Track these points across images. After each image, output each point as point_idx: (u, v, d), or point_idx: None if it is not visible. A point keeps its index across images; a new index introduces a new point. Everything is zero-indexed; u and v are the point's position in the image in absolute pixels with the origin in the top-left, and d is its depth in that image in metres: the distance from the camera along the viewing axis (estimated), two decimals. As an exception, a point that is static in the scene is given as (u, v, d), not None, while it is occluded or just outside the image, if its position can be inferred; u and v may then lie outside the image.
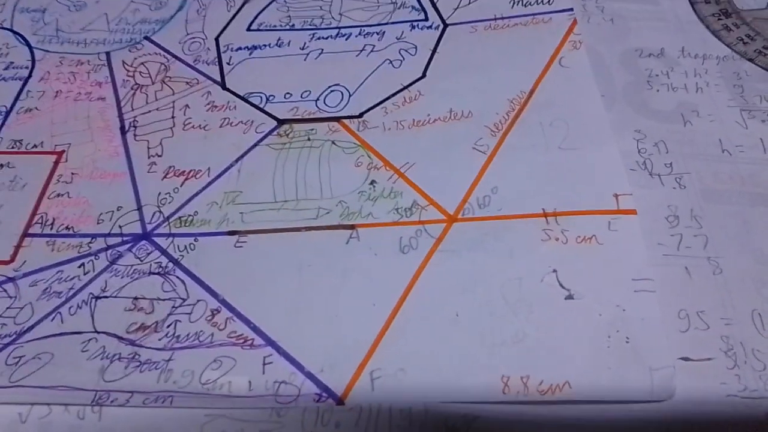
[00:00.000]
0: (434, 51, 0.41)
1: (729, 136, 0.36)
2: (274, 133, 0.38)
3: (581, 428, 0.28)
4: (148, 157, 0.38)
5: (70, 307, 0.32)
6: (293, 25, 0.45)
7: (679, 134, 0.36)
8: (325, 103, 0.40)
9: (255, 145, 0.38)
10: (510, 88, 0.38)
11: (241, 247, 0.34)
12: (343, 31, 0.44)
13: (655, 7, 0.43)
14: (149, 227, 0.35)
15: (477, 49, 0.41)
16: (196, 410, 0.29)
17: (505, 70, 0.39)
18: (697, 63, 0.40)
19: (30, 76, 0.43)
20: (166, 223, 0.35)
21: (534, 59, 0.39)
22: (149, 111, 0.40)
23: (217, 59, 0.43)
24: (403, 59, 0.41)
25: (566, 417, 0.28)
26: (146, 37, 0.45)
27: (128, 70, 0.43)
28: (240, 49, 0.43)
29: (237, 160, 0.37)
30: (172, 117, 0.40)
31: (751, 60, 0.40)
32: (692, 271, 0.31)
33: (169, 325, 0.31)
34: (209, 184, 0.36)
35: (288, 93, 0.40)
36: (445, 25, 0.43)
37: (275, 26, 0.45)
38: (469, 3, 0.44)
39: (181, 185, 0.37)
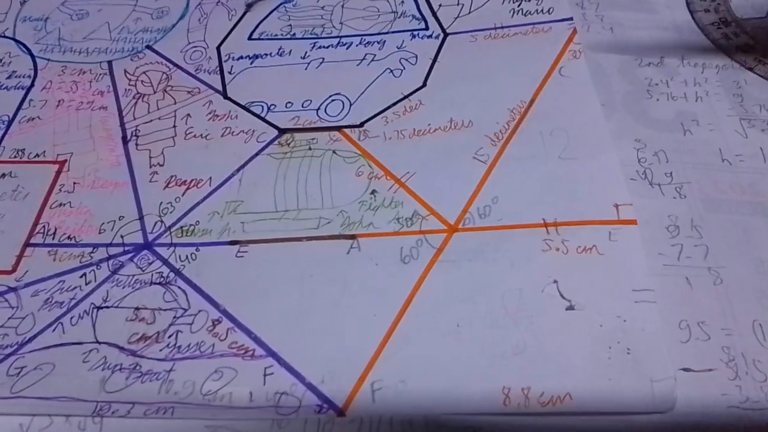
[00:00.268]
0: (435, 60, 0.41)
1: (729, 145, 0.36)
2: (276, 142, 0.38)
3: (582, 439, 0.28)
4: (150, 167, 0.38)
5: (71, 318, 0.32)
6: (294, 34, 0.45)
7: (679, 143, 0.36)
8: (326, 112, 0.40)
9: (256, 154, 0.38)
10: (510, 98, 0.38)
11: (242, 257, 0.34)
12: (344, 40, 0.44)
13: (655, 16, 0.43)
14: (151, 237, 0.35)
15: (477, 59, 0.41)
16: (197, 421, 0.29)
17: (505, 79, 0.39)
18: (697, 72, 0.40)
19: (32, 85, 0.44)
20: (168, 232, 0.35)
21: (534, 68, 0.39)
22: (151, 120, 0.41)
23: (218, 68, 0.43)
24: (404, 68, 0.41)
25: (567, 428, 0.28)
26: (148, 46, 0.45)
27: (130, 79, 0.43)
28: (241, 58, 0.44)
29: (238, 170, 0.37)
30: (174, 126, 0.40)
31: (750, 69, 0.40)
32: (693, 282, 0.31)
33: (170, 336, 0.31)
34: (211, 193, 0.37)
35: (289, 102, 0.40)
36: (446, 35, 0.43)
37: (276, 35, 0.45)
38: (470, 12, 0.44)
39: (183, 195, 0.37)
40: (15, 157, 0.40)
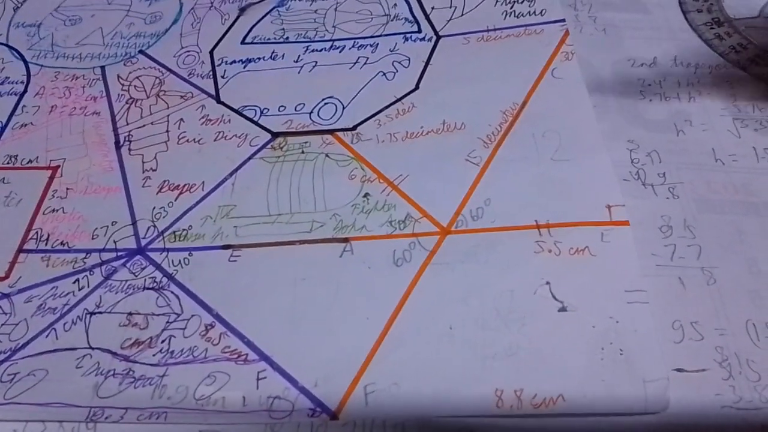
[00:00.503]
0: (427, 63, 0.41)
1: (722, 145, 0.36)
2: (269, 146, 0.38)
3: (575, 441, 0.28)
4: (143, 172, 0.38)
5: (64, 323, 0.32)
6: (287, 37, 0.45)
7: (672, 144, 0.36)
8: (318, 115, 0.40)
9: (249, 158, 0.38)
10: (502, 100, 0.38)
11: (235, 261, 0.34)
12: (336, 43, 0.44)
13: (648, 17, 0.43)
14: (144, 242, 0.35)
15: (470, 61, 0.41)
16: (191, 426, 0.29)
17: (497, 81, 0.39)
18: (690, 72, 0.40)
19: (25, 91, 0.44)
20: (161, 237, 0.35)
21: (526, 70, 0.39)
22: (144, 125, 0.41)
23: (211, 73, 0.43)
24: (397, 71, 0.41)
25: (560, 430, 0.28)
26: (141, 51, 0.45)
27: (123, 85, 0.43)
28: (234, 62, 0.44)
29: (231, 174, 0.37)
30: (167, 131, 0.40)
31: (743, 69, 0.40)
32: (686, 282, 0.31)
33: (163, 341, 0.31)
34: (203, 198, 0.37)
35: (282, 106, 0.40)
36: (438, 37, 0.43)
37: (269, 39, 0.45)
38: (462, 14, 0.44)
39: (176, 199, 0.37)
40: (8, 163, 0.39)
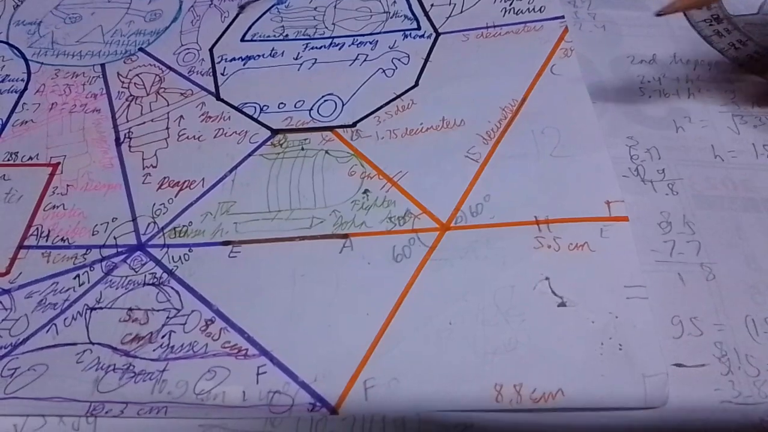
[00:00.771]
0: (427, 60, 0.41)
1: (721, 141, 0.36)
2: (268, 143, 0.39)
3: (575, 436, 0.28)
4: (143, 168, 0.38)
5: (65, 319, 0.32)
6: (287, 35, 0.45)
7: (671, 140, 0.36)
8: (318, 112, 0.40)
9: (249, 155, 0.38)
10: (502, 96, 0.38)
11: (235, 257, 0.34)
12: (336, 40, 0.44)
13: (647, 14, 0.43)
14: (144, 238, 0.35)
15: (469, 58, 0.41)
16: (191, 420, 0.29)
17: (497, 78, 0.39)
18: (689, 69, 0.40)
19: (26, 88, 0.44)
20: (161, 233, 0.35)
21: (526, 67, 0.39)
22: (144, 122, 0.41)
23: (211, 70, 0.43)
24: (396, 68, 0.41)
25: (560, 425, 0.28)
26: (141, 49, 0.45)
27: (123, 82, 0.43)
28: (234, 59, 0.44)
29: (231, 171, 0.37)
30: (167, 128, 0.40)
31: (742, 65, 0.40)
32: (685, 277, 0.31)
33: (163, 336, 0.31)
34: (203, 194, 0.37)
35: (282, 103, 0.41)
36: (438, 34, 0.43)
37: (269, 36, 0.45)
38: (461, 11, 0.44)
39: (176, 196, 0.37)
40: (8, 160, 0.40)
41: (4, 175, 0.39)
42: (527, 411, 0.28)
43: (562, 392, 0.28)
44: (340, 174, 0.36)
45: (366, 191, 0.35)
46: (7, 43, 0.47)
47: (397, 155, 0.37)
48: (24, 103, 0.43)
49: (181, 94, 0.42)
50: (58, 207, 0.37)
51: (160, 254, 0.34)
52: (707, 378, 0.29)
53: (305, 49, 0.44)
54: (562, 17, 0.42)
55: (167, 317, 0.32)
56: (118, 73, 0.44)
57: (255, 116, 0.40)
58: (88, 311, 0.33)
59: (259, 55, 0.44)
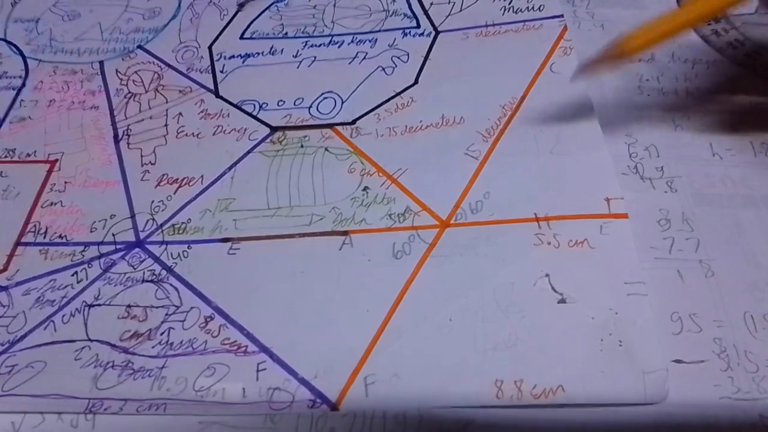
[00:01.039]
0: (426, 58, 0.41)
1: (720, 139, 0.36)
2: (268, 140, 0.39)
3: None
4: (142, 165, 0.38)
5: (63, 316, 0.32)
6: (286, 33, 0.45)
7: (669, 138, 0.36)
8: (318, 110, 0.40)
9: (248, 152, 0.38)
10: (501, 94, 0.38)
11: (234, 254, 0.34)
12: (335, 38, 0.44)
13: (645, 13, 0.43)
14: (142, 235, 0.35)
15: (469, 56, 0.41)
16: (190, 417, 0.29)
17: (496, 76, 0.39)
18: (687, 68, 0.40)
19: (23, 85, 0.44)
20: (160, 230, 0.35)
21: (525, 65, 0.39)
22: (142, 119, 0.41)
23: (210, 67, 0.43)
24: (396, 66, 0.41)
25: (560, 421, 0.28)
26: (139, 46, 0.45)
27: (121, 79, 0.43)
28: (233, 57, 0.44)
29: (230, 168, 0.37)
30: (166, 125, 0.40)
31: (740, 64, 0.40)
32: (684, 274, 0.31)
33: (162, 333, 0.31)
34: (202, 191, 0.37)
35: (281, 100, 0.40)
36: (437, 32, 0.43)
37: (268, 34, 0.45)
38: (461, 10, 0.44)
39: (175, 193, 0.37)
40: (6, 157, 0.39)
41: (2, 171, 0.39)
42: (528, 407, 0.28)
43: (563, 388, 0.28)
44: (340, 171, 0.36)
45: (366, 188, 0.35)
46: (4, 40, 0.47)
47: (396, 153, 0.37)
48: (22, 100, 0.43)
49: (180, 91, 0.42)
50: (56, 204, 0.37)
51: (158, 251, 0.34)
52: (706, 374, 0.29)
53: (304, 46, 0.43)
54: (561, 16, 0.42)
55: (166, 314, 0.32)
56: (116, 71, 0.44)
57: (254, 114, 0.40)
58: (87, 308, 0.32)
59: (258, 53, 0.43)
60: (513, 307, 0.30)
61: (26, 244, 0.35)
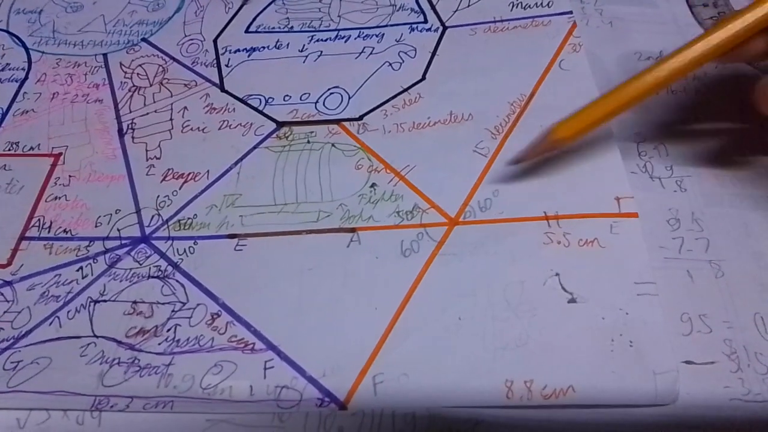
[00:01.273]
0: (434, 53, 0.41)
1: (729, 138, 0.36)
2: (274, 135, 0.38)
3: (585, 432, 0.28)
4: (147, 160, 0.38)
5: (68, 312, 0.32)
6: (292, 27, 0.44)
7: (679, 137, 0.36)
8: (324, 105, 0.39)
9: (254, 147, 0.38)
10: (510, 91, 0.38)
11: (241, 250, 0.33)
12: (342, 33, 0.43)
13: (654, 10, 0.43)
14: (148, 230, 0.35)
15: (477, 52, 0.41)
16: (197, 415, 0.29)
17: (505, 72, 0.39)
18: (696, 66, 0.40)
19: (26, 77, 0.43)
20: (165, 226, 0.35)
21: (534, 62, 0.39)
22: (147, 113, 0.40)
23: (215, 61, 0.43)
24: (403, 62, 0.41)
25: (569, 421, 0.28)
26: (144, 39, 0.45)
27: (126, 72, 0.43)
28: (238, 51, 0.43)
29: (236, 163, 0.37)
30: (171, 119, 0.40)
31: (749, 63, 0.40)
32: (694, 275, 0.31)
33: (168, 329, 0.31)
34: (208, 186, 0.36)
35: (287, 95, 0.40)
36: (445, 28, 0.43)
37: (274, 28, 0.44)
38: (468, 5, 0.44)
39: (180, 188, 0.36)
40: (9, 150, 0.39)
41: (5, 165, 0.38)
42: (537, 407, 0.28)
43: (573, 388, 0.28)
44: (347, 167, 0.36)
45: (373, 185, 0.35)
46: (7, 31, 0.46)
47: (404, 149, 0.36)
48: (25, 93, 0.42)
49: (185, 85, 0.42)
50: (60, 198, 0.37)
51: (164, 247, 0.34)
52: (716, 375, 0.28)
53: (310, 41, 0.43)
54: (570, 12, 0.42)
55: (172, 310, 0.32)
56: (120, 63, 0.43)
57: (260, 108, 0.40)
58: (92, 304, 0.32)
59: (263, 47, 0.43)
60: (523, 306, 0.30)
61: (30, 238, 0.35)
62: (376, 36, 0.43)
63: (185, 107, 0.40)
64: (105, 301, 0.32)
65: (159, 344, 0.30)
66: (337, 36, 0.43)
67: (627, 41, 0.41)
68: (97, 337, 0.31)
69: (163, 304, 0.32)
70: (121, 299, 0.32)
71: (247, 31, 0.44)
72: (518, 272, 0.31)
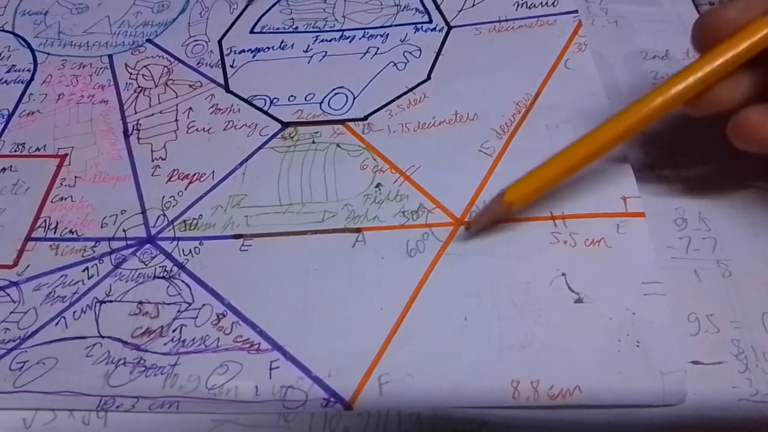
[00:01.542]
0: (439, 53, 0.41)
1: (736, 137, 0.36)
2: (279, 136, 0.38)
3: (592, 433, 0.27)
4: (152, 161, 0.38)
5: (74, 312, 0.32)
6: (296, 27, 0.44)
7: (685, 136, 0.36)
8: (329, 105, 0.39)
9: (259, 148, 0.38)
10: (515, 91, 0.38)
11: (246, 250, 0.33)
12: (346, 33, 0.43)
13: (659, 9, 0.43)
14: (153, 231, 0.35)
15: (482, 52, 0.40)
16: (203, 415, 0.29)
17: (510, 72, 0.39)
18: (703, 65, 0.40)
19: (32, 79, 0.43)
20: (171, 226, 0.35)
21: (539, 61, 0.39)
22: (152, 114, 0.40)
23: (220, 62, 0.43)
24: (408, 62, 0.41)
25: (576, 422, 0.28)
26: (149, 40, 0.45)
27: (131, 73, 0.43)
28: (243, 51, 0.43)
29: (241, 163, 0.37)
30: (176, 120, 0.40)
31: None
32: (701, 274, 0.31)
33: (174, 330, 0.31)
34: (214, 187, 0.36)
35: (292, 96, 0.40)
36: (449, 28, 0.42)
37: (278, 29, 0.44)
38: (473, 5, 0.44)
39: (186, 189, 0.36)
40: (15, 151, 0.39)
41: (11, 166, 0.38)
42: (544, 408, 0.28)
43: (580, 389, 0.27)
44: (352, 168, 0.36)
45: (378, 185, 0.35)
46: (13, 33, 0.46)
47: (409, 149, 0.36)
48: (30, 94, 0.42)
49: (190, 86, 0.42)
50: (66, 199, 0.37)
51: (170, 247, 0.34)
52: (724, 375, 0.28)
53: (315, 41, 0.43)
54: (576, 12, 0.41)
55: (178, 311, 0.32)
56: (126, 64, 0.43)
57: (265, 109, 0.40)
58: (98, 304, 0.32)
59: (268, 48, 0.43)
60: (529, 306, 0.30)
61: (36, 239, 0.35)
62: (381, 36, 0.43)
63: (190, 108, 0.40)
64: (111, 301, 0.32)
65: (165, 344, 0.30)
66: (341, 36, 0.43)
67: (632, 40, 0.41)
68: (103, 337, 0.31)
69: (168, 304, 0.32)
70: (126, 300, 0.32)
71: (251, 32, 0.45)
72: (524, 272, 0.31)
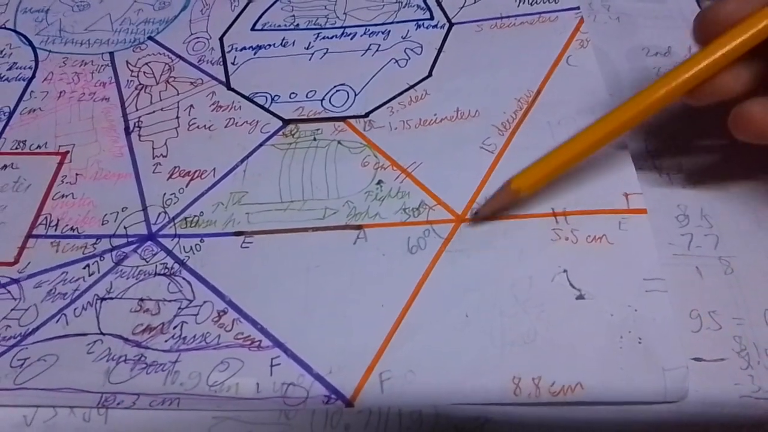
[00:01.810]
0: (440, 50, 0.41)
1: (738, 134, 0.36)
2: (280, 133, 0.38)
3: (593, 430, 0.27)
4: (153, 158, 0.38)
5: (75, 309, 0.32)
6: (298, 24, 0.44)
7: (688, 132, 0.36)
8: (330, 102, 0.39)
9: (260, 145, 0.38)
10: (517, 87, 0.38)
11: (247, 247, 0.33)
12: (348, 30, 0.43)
13: (661, 6, 0.43)
14: (154, 228, 0.35)
15: (483, 48, 0.40)
16: (204, 412, 0.29)
17: (511, 69, 0.39)
18: (705, 61, 0.39)
19: (33, 76, 0.43)
20: (172, 223, 0.35)
21: (541, 58, 0.39)
22: (154, 111, 0.40)
23: (221, 59, 0.43)
24: (409, 58, 0.41)
25: (578, 419, 0.28)
26: (150, 37, 0.45)
27: (132, 71, 0.43)
28: (244, 48, 0.43)
29: (242, 161, 0.37)
30: (177, 117, 0.40)
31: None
32: (703, 271, 0.31)
33: (175, 327, 0.31)
34: (215, 184, 0.36)
35: (293, 93, 0.40)
36: (451, 24, 0.42)
37: (280, 26, 0.44)
38: (475, 2, 0.43)
39: (187, 186, 0.36)
40: (16, 148, 0.39)
41: (13, 163, 0.38)
42: (546, 404, 0.28)
43: (582, 385, 0.27)
44: (353, 165, 0.36)
45: (380, 182, 0.35)
46: (14, 30, 0.46)
47: (410, 146, 0.36)
48: (32, 91, 0.42)
49: (191, 83, 0.42)
50: (67, 196, 0.37)
51: (171, 244, 0.34)
52: (726, 372, 0.28)
53: (316, 38, 0.43)
54: (578, 8, 0.41)
55: (179, 308, 0.32)
56: (127, 62, 0.43)
57: (266, 106, 0.40)
58: (99, 301, 0.32)
59: (269, 45, 0.43)
60: (531, 302, 0.30)
61: (37, 236, 0.35)
62: (382, 33, 0.43)
63: (191, 105, 0.40)
64: (111, 298, 0.32)
65: (165, 341, 0.30)
66: (343, 33, 0.43)
67: (635, 36, 0.41)
68: (104, 334, 0.31)
69: (169, 301, 0.32)
70: (127, 297, 0.32)
71: (253, 29, 0.44)
72: (526, 269, 0.31)
